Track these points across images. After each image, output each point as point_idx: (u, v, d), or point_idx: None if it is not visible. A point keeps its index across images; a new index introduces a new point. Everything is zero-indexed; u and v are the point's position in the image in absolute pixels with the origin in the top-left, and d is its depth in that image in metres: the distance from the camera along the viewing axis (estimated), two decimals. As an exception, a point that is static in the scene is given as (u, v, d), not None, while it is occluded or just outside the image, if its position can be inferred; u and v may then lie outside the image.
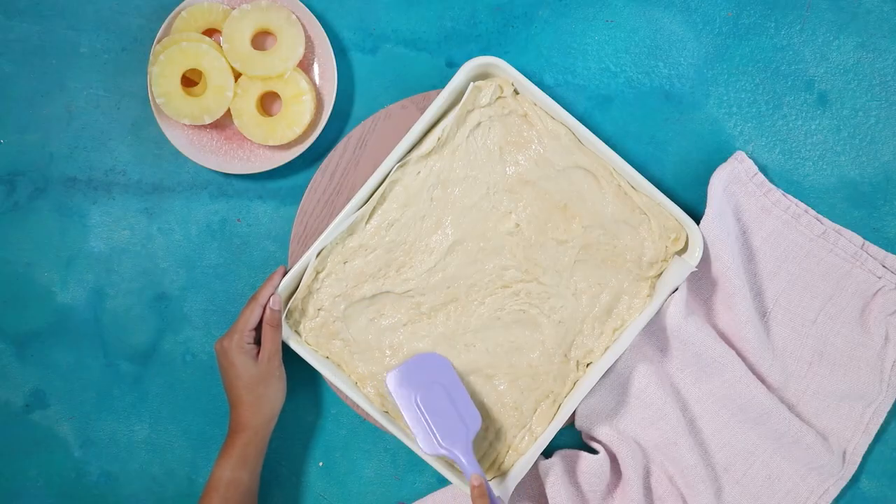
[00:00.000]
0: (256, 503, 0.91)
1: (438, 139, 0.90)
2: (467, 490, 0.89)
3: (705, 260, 0.93)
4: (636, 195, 0.91)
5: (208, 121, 0.92)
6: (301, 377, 0.97)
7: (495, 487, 0.90)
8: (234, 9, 0.93)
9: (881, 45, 0.96)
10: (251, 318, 0.89)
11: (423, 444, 0.87)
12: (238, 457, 0.89)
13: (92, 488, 0.99)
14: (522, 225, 0.92)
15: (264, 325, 0.90)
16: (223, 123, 0.96)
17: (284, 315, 0.91)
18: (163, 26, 0.93)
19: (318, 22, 0.94)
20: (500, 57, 0.94)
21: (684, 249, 0.92)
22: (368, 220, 0.91)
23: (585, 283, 0.93)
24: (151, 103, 0.94)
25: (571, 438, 0.98)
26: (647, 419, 0.94)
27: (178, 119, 0.91)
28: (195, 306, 0.98)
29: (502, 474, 0.92)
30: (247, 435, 0.89)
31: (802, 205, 0.96)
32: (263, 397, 0.90)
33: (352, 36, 0.97)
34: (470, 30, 0.97)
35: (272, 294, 0.90)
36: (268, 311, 0.89)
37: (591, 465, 0.92)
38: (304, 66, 0.95)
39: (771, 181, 0.96)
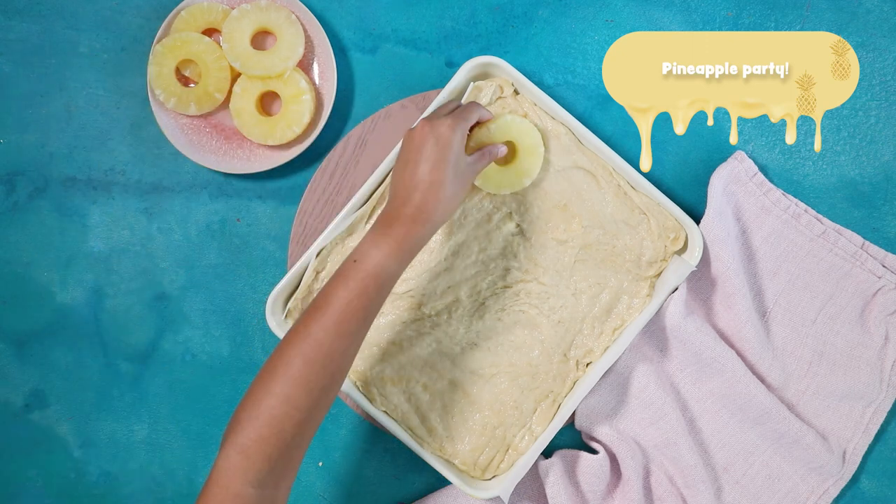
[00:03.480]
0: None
1: (438, 139, 0.90)
2: (468, 491, 0.89)
3: (705, 260, 0.93)
4: (636, 195, 0.91)
5: (194, 111, 0.92)
6: (301, 377, 0.97)
7: (496, 487, 0.89)
8: (233, 8, 0.93)
9: (881, 45, 0.96)
10: (474, 115, 0.82)
11: None
12: (407, 252, 0.74)
13: (91, 488, 0.99)
14: (523, 225, 0.92)
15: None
16: (223, 123, 0.96)
17: (284, 315, 0.91)
18: (162, 26, 0.93)
19: (317, 22, 0.94)
20: (499, 57, 0.94)
21: (684, 249, 0.92)
22: (368, 220, 0.91)
23: (585, 283, 0.93)
24: (151, 103, 0.94)
25: (571, 438, 0.98)
26: (646, 419, 0.94)
27: (166, 103, 0.92)
28: (195, 306, 0.98)
29: (502, 474, 0.92)
30: (424, 231, 0.76)
31: (802, 204, 0.96)
32: (459, 195, 0.79)
33: (351, 36, 0.97)
34: (470, 30, 0.97)
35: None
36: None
37: (591, 465, 0.92)
38: (304, 65, 0.95)
39: (771, 181, 0.96)
